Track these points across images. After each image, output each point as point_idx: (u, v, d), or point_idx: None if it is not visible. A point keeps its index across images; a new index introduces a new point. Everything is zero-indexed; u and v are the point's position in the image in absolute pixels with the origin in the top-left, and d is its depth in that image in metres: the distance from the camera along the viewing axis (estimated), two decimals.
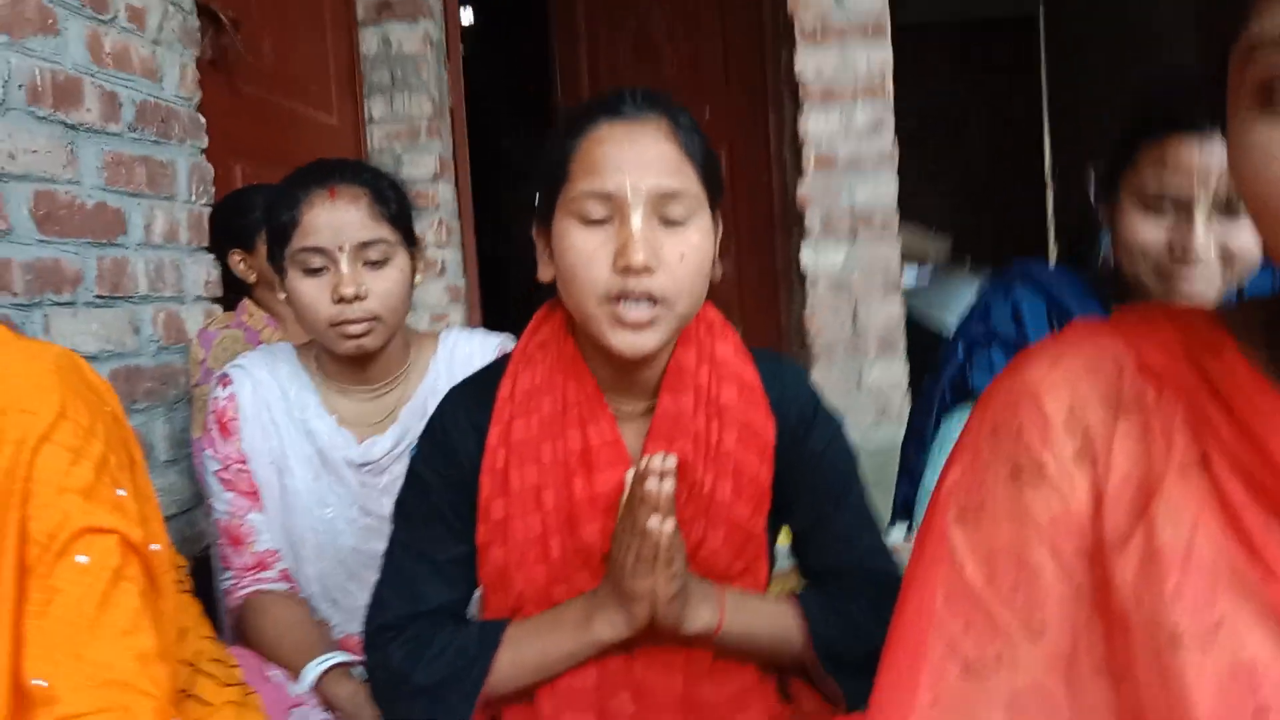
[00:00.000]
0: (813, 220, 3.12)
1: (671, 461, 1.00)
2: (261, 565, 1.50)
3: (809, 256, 3.13)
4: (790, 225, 3.37)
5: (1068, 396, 0.66)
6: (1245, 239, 1.20)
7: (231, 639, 1.47)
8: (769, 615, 1.14)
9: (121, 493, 0.96)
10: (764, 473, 1.15)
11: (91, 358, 1.73)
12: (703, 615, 1.09)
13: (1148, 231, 1.24)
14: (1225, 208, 1.20)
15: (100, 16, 1.77)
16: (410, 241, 1.49)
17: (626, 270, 1.00)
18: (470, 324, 3.39)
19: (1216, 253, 1.21)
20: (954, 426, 1.47)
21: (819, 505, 1.18)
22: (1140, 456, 0.64)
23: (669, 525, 1.00)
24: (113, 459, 0.97)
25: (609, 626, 1.08)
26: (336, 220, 1.39)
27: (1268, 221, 0.57)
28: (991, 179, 7.89)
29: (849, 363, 3.14)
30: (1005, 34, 7.62)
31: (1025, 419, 0.67)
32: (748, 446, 1.14)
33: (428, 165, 3.24)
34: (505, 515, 1.13)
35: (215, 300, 2.14)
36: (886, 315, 3.17)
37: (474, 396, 1.18)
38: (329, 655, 1.37)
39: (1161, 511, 0.62)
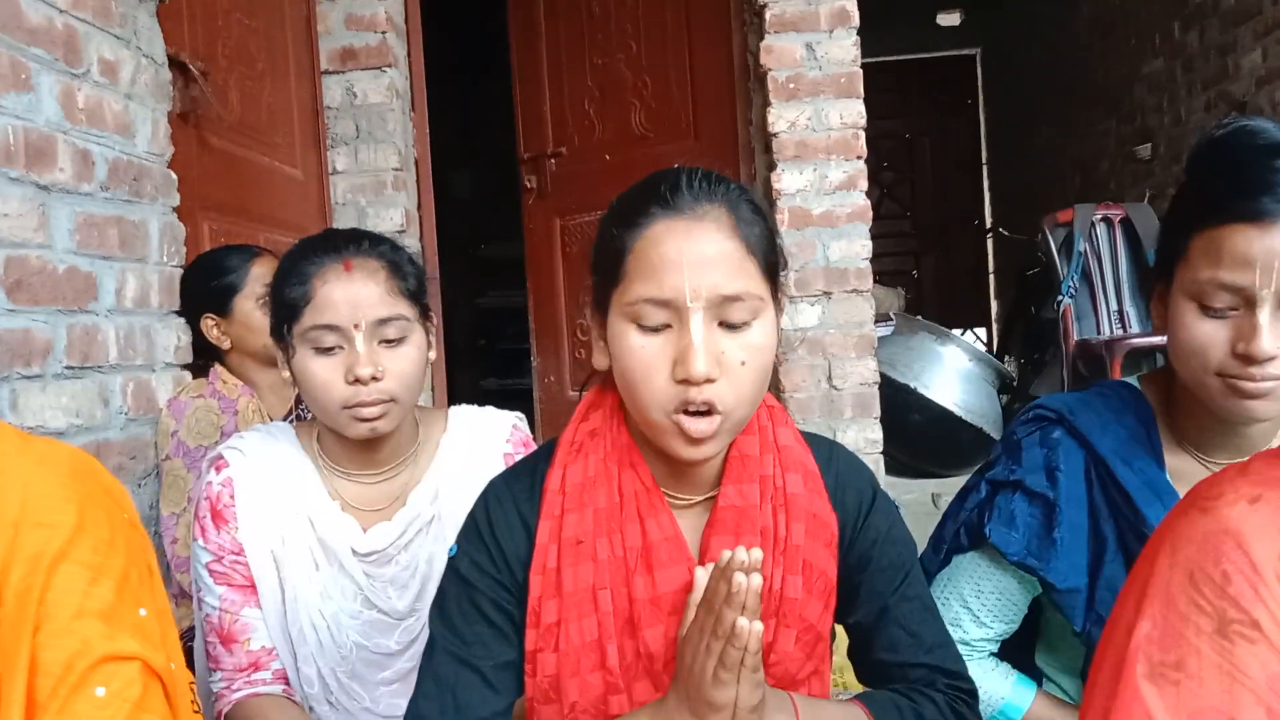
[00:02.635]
0: (788, 278, 3.08)
1: (757, 555, 0.92)
2: (255, 665, 1.37)
3: (784, 314, 3.09)
4: None
5: (1277, 541, 0.60)
6: None
7: None
8: None
9: (143, 612, 0.87)
10: (831, 567, 1.09)
11: (59, 434, 1.60)
12: None
13: (1203, 329, 1.08)
14: None
15: (73, 70, 1.66)
16: (425, 316, 1.39)
17: (686, 381, 0.95)
18: (434, 385, 3.28)
19: None
20: (963, 568, 1.31)
21: (881, 597, 1.12)
22: None
23: (759, 626, 0.92)
24: (134, 573, 0.87)
25: None
26: (352, 296, 1.29)
27: None
28: (936, 220, 8.04)
29: (825, 423, 3.10)
30: (947, 71, 7.82)
31: (1230, 567, 0.61)
32: (816, 539, 1.08)
33: (393, 219, 3.13)
34: (559, 619, 1.04)
35: (184, 367, 2.01)
36: (861, 375, 3.13)
37: (519, 488, 1.09)
38: None
39: None
